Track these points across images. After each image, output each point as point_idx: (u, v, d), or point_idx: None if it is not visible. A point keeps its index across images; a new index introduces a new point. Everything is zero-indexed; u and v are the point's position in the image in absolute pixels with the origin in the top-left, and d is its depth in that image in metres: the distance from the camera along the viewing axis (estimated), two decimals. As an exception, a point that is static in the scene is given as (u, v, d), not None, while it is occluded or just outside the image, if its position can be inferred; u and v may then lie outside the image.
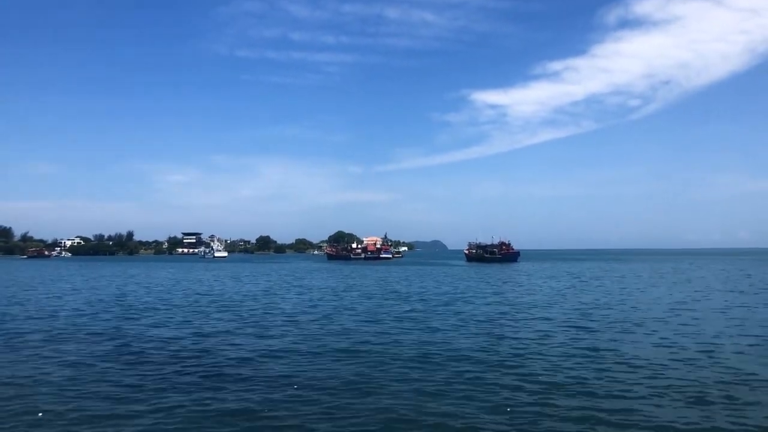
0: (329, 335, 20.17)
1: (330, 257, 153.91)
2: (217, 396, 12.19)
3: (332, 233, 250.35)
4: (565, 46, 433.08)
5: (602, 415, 10.71)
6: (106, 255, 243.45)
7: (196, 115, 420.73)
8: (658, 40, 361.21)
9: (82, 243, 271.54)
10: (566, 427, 10.13)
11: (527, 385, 12.80)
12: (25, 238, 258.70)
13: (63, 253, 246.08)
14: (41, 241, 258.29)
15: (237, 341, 19.11)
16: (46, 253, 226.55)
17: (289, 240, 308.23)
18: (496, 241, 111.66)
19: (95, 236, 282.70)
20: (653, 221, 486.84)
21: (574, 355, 16.15)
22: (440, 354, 16.47)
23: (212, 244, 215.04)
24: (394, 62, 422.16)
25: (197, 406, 11.46)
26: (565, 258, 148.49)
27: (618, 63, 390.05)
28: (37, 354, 17.07)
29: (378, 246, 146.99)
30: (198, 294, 39.57)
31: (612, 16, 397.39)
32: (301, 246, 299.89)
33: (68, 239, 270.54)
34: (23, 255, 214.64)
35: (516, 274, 64.61)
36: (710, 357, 15.74)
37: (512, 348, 17.33)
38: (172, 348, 17.95)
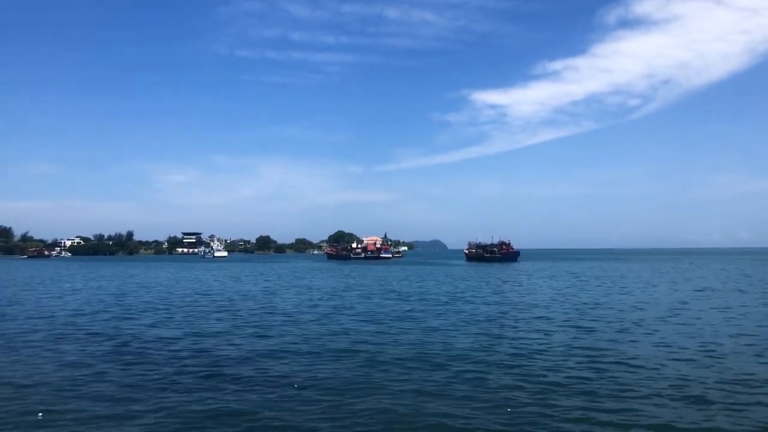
0: (329, 335, 20.17)
1: (330, 257, 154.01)
2: (217, 396, 12.19)
3: (332, 233, 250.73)
4: (565, 46, 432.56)
5: (602, 415, 10.71)
6: (106, 255, 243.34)
7: (196, 115, 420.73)
8: (658, 39, 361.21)
9: (82, 243, 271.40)
10: (566, 427, 10.13)
11: (527, 385, 12.79)
12: (25, 238, 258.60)
13: (63, 253, 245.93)
14: (41, 241, 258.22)
15: (237, 341, 19.11)
16: (46, 253, 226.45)
17: (289, 240, 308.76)
18: (496, 241, 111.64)
19: (95, 236, 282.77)
20: (653, 221, 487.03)
21: (574, 355, 16.16)
22: (440, 354, 16.47)
23: (212, 243, 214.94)
24: (394, 62, 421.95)
25: (197, 406, 11.46)
26: (565, 257, 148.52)
27: (618, 63, 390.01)
28: (37, 354, 17.07)
29: (378, 246, 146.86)
30: (198, 294, 39.58)
31: (612, 15, 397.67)
32: (301, 246, 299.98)
33: (68, 239, 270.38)
34: (23, 255, 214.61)
35: (516, 273, 64.61)
36: (710, 357, 15.75)
37: (512, 348, 17.33)
38: (171, 348, 17.95)
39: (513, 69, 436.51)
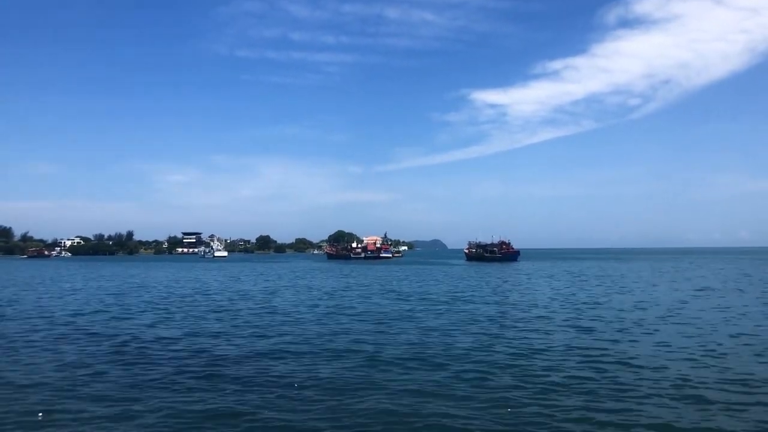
0: (329, 335, 20.16)
1: (330, 257, 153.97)
2: (217, 396, 12.19)
3: (332, 233, 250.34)
4: (564, 46, 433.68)
5: (602, 415, 10.71)
6: (106, 255, 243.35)
7: (196, 115, 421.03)
8: (658, 39, 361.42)
9: (82, 243, 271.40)
10: (566, 427, 10.13)
11: (527, 385, 12.79)
12: (25, 238, 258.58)
13: (63, 253, 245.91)
14: (41, 241, 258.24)
15: (237, 341, 19.10)
16: (46, 253, 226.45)
17: (289, 240, 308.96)
18: (495, 241, 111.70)
19: (95, 236, 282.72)
20: (653, 220, 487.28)
21: (574, 355, 16.15)
22: (440, 354, 16.47)
23: (212, 243, 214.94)
24: (394, 62, 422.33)
25: (197, 406, 11.46)
26: (565, 257, 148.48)
27: (618, 62, 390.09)
28: (36, 354, 17.06)
29: (378, 245, 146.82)
30: (198, 294, 39.57)
31: (612, 15, 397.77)
32: (301, 246, 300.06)
33: (68, 239, 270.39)
34: (23, 255, 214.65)
35: (516, 273, 64.60)
36: (710, 356, 15.75)
37: (512, 347, 17.33)
38: (171, 348, 17.94)
39: (513, 69, 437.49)
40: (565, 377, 13.54)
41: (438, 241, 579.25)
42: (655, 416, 10.61)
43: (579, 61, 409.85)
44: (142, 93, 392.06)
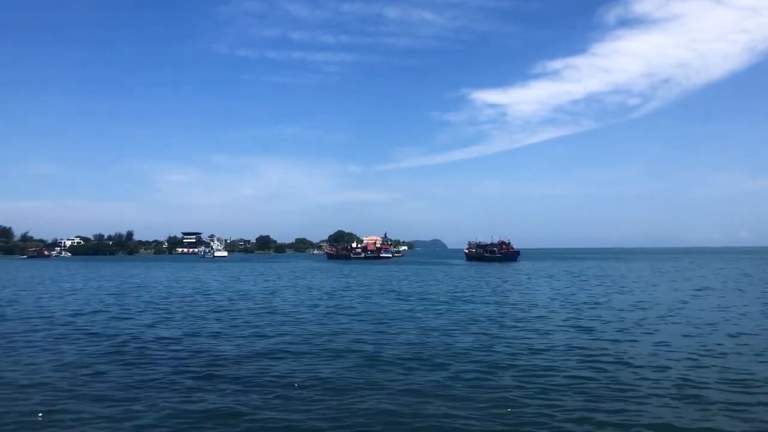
0: (329, 335, 20.16)
1: (330, 257, 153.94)
2: (217, 396, 12.18)
3: (332, 233, 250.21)
4: (564, 45, 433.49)
5: (602, 415, 10.70)
6: (106, 255, 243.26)
7: (196, 115, 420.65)
8: (658, 38, 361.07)
9: (82, 243, 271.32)
10: (566, 427, 10.12)
11: (527, 385, 12.78)
12: (25, 238, 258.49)
13: (63, 253, 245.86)
14: (41, 241, 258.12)
15: (237, 341, 19.10)
16: (46, 253, 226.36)
17: (289, 239, 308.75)
18: (495, 240, 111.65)
19: (95, 236, 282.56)
20: (653, 220, 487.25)
21: (574, 355, 16.15)
22: (440, 354, 16.47)
23: (212, 243, 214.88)
24: (394, 62, 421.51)
25: (197, 406, 11.46)
26: (565, 257, 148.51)
27: (618, 62, 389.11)
28: (36, 354, 17.06)
29: (378, 245, 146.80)
30: (198, 293, 39.58)
31: (612, 15, 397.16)
32: (301, 245, 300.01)
33: (68, 239, 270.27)
34: (23, 255, 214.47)
35: (516, 273, 64.61)
36: (710, 356, 15.74)
37: (512, 347, 17.32)
38: (171, 348, 17.94)
39: (513, 68, 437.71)
40: (565, 377, 13.54)
41: (438, 240, 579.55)
42: (656, 416, 10.60)
43: (579, 60, 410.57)
44: (142, 93, 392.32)
